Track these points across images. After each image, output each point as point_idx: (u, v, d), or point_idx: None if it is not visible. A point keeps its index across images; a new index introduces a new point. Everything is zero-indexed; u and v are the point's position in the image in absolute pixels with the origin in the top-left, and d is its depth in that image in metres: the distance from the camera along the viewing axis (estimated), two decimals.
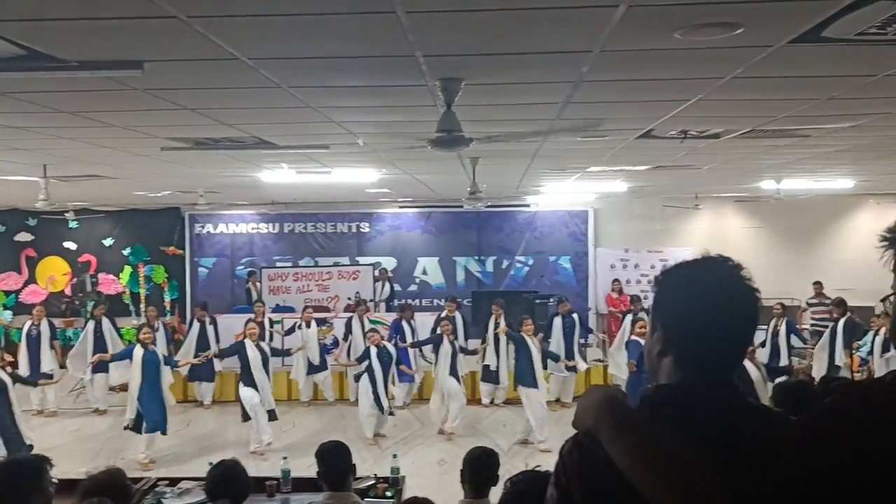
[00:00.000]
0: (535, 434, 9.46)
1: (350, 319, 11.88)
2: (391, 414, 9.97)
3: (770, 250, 14.86)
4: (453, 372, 10.13)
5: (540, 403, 9.55)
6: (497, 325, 10.85)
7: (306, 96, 4.37)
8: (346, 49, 3.35)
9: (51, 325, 11.92)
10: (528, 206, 15.66)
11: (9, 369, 8.30)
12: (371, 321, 11.92)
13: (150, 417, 8.94)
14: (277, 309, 13.43)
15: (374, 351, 9.83)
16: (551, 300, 12.95)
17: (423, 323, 11.91)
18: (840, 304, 10.68)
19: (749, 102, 4.81)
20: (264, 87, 4.01)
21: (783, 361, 10.71)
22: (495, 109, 4.87)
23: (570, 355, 11.28)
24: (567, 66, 3.69)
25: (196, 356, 11.02)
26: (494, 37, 3.16)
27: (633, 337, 9.55)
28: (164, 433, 9.15)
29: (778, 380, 7.37)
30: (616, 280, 14.79)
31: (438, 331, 10.53)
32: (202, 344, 11.57)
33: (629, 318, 11.41)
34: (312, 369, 11.72)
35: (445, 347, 10.18)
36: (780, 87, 4.33)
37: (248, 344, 9.52)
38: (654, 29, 3.01)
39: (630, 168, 9.02)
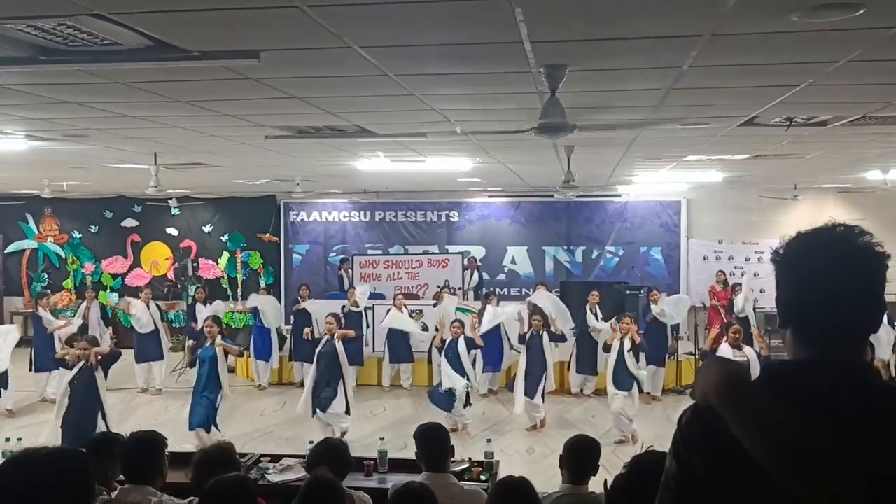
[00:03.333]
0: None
1: (436, 306, 12.13)
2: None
3: None
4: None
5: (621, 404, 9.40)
6: (594, 314, 10.79)
7: (411, 84, 4.45)
8: (456, 36, 3.40)
9: (158, 307, 12.56)
10: (618, 195, 15.45)
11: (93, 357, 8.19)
12: (460, 309, 12.03)
13: (194, 415, 8.64)
14: (369, 296, 13.67)
15: (447, 342, 9.88)
16: (641, 291, 12.78)
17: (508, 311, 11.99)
18: None
19: (863, 87, 4.65)
20: (371, 75, 4.11)
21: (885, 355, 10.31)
22: (597, 96, 4.84)
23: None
24: (675, 51, 3.65)
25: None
26: (605, 22, 3.16)
27: (724, 345, 9.14)
28: (206, 431, 8.63)
29: None
30: (721, 271, 14.13)
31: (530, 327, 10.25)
32: (304, 322, 11.91)
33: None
34: (396, 358, 12.00)
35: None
36: None
37: (322, 340, 9.39)
38: (770, 11, 2.95)
39: (729, 157, 8.80)
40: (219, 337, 8.88)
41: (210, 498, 3.46)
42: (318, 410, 9.03)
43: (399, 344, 11.94)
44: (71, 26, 3.10)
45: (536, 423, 9.94)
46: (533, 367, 9.96)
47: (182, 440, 8.39)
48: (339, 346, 9.27)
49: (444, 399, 9.61)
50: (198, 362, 8.80)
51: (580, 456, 4.31)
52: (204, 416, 8.60)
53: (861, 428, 1.33)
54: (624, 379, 9.37)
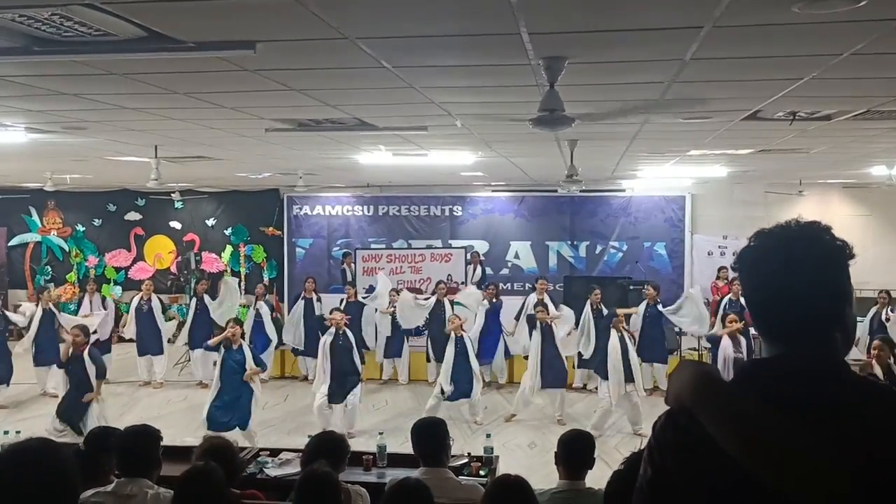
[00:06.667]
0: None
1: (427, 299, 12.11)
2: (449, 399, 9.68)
3: (880, 239, 14.17)
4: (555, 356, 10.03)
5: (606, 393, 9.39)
6: (595, 309, 10.77)
7: (410, 77, 4.41)
8: (453, 28, 3.36)
9: (160, 300, 12.58)
10: (623, 190, 15.39)
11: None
12: (458, 303, 12.01)
13: (223, 417, 8.43)
14: (371, 289, 13.65)
15: (452, 338, 9.87)
16: (645, 287, 12.73)
17: (512, 305, 11.98)
18: None
19: (867, 81, 4.59)
20: (370, 67, 4.07)
21: None
22: (598, 89, 4.80)
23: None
24: (676, 43, 3.60)
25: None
26: (604, 13, 3.12)
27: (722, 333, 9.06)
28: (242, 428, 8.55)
29: None
30: (723, 268, 13.91)
31: (534, 315, 10.30)
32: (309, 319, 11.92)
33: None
34: (392, 353, 12.06)
35: (537, 337, 10.01)
36: None
37: (329, 332, 9.47)
38: (771, 2, 2.91)
39: (732, 152, 8.75)
40: (244, 343, 8.88)
41: (182, 486, 3.56)
42: (347, 395, 9.19)
43: (392, 340, 11.99)
44: (64, 16, 3.07)
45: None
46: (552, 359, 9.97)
47: (184, 433, 8.40)
48: (350, 336, 9.44)
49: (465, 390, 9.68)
50: (225, 366, 8.60)
51: (574, 451, 4.28)
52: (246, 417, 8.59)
53: (837, 420, 1.32)
54: (630, 371, 9.38)
